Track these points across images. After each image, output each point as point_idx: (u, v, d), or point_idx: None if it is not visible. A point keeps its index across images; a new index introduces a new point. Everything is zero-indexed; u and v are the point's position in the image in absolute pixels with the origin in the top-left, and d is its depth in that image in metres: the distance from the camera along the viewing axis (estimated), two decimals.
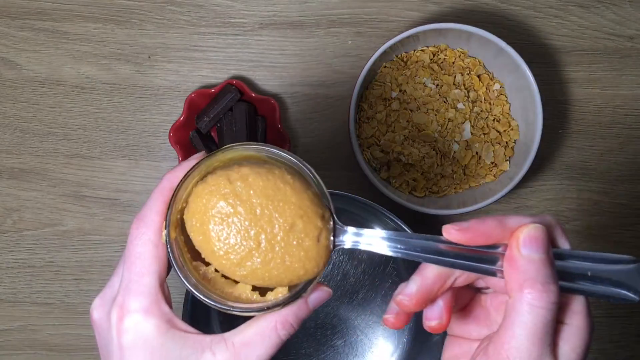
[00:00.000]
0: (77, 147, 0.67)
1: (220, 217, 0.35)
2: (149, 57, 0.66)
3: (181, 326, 0.36)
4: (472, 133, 0.61)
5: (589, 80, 0.68)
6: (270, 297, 0.36)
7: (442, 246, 0.33)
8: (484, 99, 0.63)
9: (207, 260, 0.36)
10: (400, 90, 0.62)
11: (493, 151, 0.62)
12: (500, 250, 0.32)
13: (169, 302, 0.37)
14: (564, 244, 0.33)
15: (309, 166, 0.37)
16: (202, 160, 0.37)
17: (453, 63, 0.63)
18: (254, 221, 0.35)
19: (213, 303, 0.36)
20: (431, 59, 0.63)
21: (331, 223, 0.36)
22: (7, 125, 0.67)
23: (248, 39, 0.67)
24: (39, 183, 0.67)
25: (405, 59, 0.64)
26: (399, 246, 0.35)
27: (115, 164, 0.67)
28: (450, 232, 0.33)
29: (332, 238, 0.36)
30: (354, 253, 0.66)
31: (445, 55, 0.64)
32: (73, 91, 0.67)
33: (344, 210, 0.65)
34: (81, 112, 0.67)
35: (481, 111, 0.63)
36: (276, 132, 0.64)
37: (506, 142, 0.63)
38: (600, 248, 0.68)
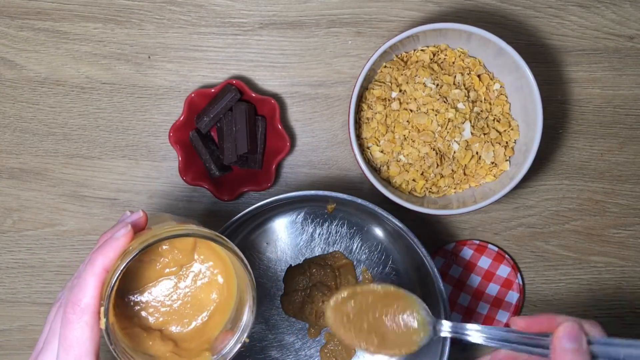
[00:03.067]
0: (77, 147, 0.67)
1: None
2: (149, 57, 0.66)
3: None
4: (472, 133, 0.61)
5: (589, 80, 0.68)
6: None
7: (513, 336, 0.43)
8: (484, 99, 0.63)
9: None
10: (400, 90, 0.62)
11: (493, 151, 0.62)
12: (551, 339, 0.41)
13: None
14: (600, 335, 0.41)
15: (241, 256, 0.43)
16: (137, 241, 0.40)
17: (453, 63, 0.63)
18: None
19: None
20: (431, 59, 0.63)
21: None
22: (7, 125, 0.67)
23: (248, 39, 0.67)
24: (39, 183, 0.67)
25: (405, 59, 0.64)
26: (485, 336, 0.45)
27: (115, 164, 0.67)
28: (515, 322, 0.44)
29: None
30: (352, 253, 0.66)
31: (445, 55, 0.63)
32: (73, 91, 0.67)
33: (344, 211, 0.65)
34: (81, 112, 0.67)
35: (481, 111, 0.62)
36: (276, 132, 0.64)
37: (506, 142, 0.63)
38: (600, 248, 0.68)
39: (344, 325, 0.46)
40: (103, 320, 0.39)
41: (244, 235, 0.65)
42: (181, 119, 0.63)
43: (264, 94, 0.66)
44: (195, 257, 0.46)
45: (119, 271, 0.39)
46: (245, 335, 0.43)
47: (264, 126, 0.65)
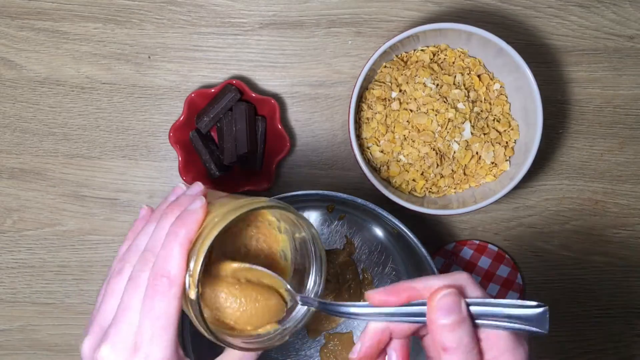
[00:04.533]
0: (77, 147, 0.67)
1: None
2: (149, 57, 0.66)
3: None
4: (472, 133, 0.61)
5: (589, 80, 0.68)
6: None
7: (374, 310, 0.38)
8: (484, 99, 0.63)
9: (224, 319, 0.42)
10: (400, 90, 0.62)
11: (493, 151, 0.62)
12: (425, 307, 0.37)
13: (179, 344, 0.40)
14: (479, 295, 0.38)
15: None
16: (216, 213, 0.40)
17: (453, 63, 0.63)
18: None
19: (228, 344, 0.40)
20: (431, 59, 0.63)
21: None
22: (7, 125, 0.67)
23: (248, 39, 0.67)
24: (39, 183, 0.67)
25: (405, 59, 0.64)
26: (341, 311, 0.40)
27: (115, 164, 0.67)
28: (372, 298, 0.38)
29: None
30: (352, 253, 0.66)
31: (445, 55, 0.63)
32: (73, 91, 0.67)
33: (343, 212, 0.65)
34: (81, 112, 0.67)
35: (481, 111, 0.62)
36: (276, 132, 0.64)
37: (506, 142, 0.63)
38: (600, 248, 0.68)
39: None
40: (193, 292, 0.38)
41: None
42: (181, 119, 0.63)
43: (264, 94, 0.66)
44: (255, 239, 0.45)
45: (210, 240, 0.38)
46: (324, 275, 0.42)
47: (264, 126, 0.65)
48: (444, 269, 0.67)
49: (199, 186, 0.44)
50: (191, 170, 0.64)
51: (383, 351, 0.39)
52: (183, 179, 0.63)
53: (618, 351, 0.68)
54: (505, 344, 0.37)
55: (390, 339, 0.39)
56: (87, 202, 0.67)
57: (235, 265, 0.42)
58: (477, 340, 0.36)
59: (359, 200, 0.58)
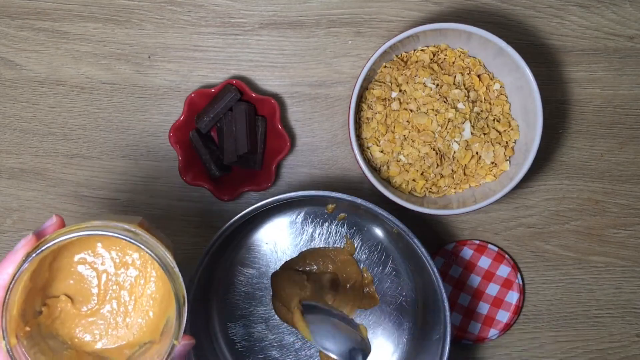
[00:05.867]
0: (77, 147, 0.67)
1: None
2: (149, 57, 0.66)
3: None
4: (472, 133, 0.61)
5: (589, 80, 0.68)
6: None
7: None
8: (484, 99, 0.63)
9: None
10: (400, 90, 0.62)
11: (493, 151, 0.62)
12: None
13: None
14: None
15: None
16: (30, 255, 0.37)
17: (453, 63, 0.63)
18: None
19: None
20: (431, 59, 0.63)
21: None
22: (7, 125, 0.67)
23: (248, 39, 0.67)
24: (39, 183, 0.67)
25: (405, 59, 0.64)
26: None
27: (115, 164, 0.67)
28: None
29: None
30: (352, 254, 0.66)
31: (445, 55, 0.63)
32: (73, 91, 0.67)
33: (343, 212, 0.65)
34: (81, 112, 0.67)
35: (481, 111, 0.62)
36: (276, 132, 0.64)
37: (506, 142, 0.63)
38: (600, 248, 0.68)
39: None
40: (3, 343, 0.36)
41: (244, 235, 0.65)
42: (181, 119, 0.63)
43: (264, 94, 0.66)
44: (130, 259, 0.43)
45: (10, 287, 0.36)
46: (179, 336, 0.39)
47: (264, 126, 0.65)
48: (444, 269, 0.67)
49: (50, 220, 0.40)
50: (191, 170, 0.64)
51: None
52: (183, 178, 0.63)
53: (618, 351, 0.68)
54: None
55: None
56: (87, 202, 0.67)
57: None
58: None
59: (359, 200, 0.58)
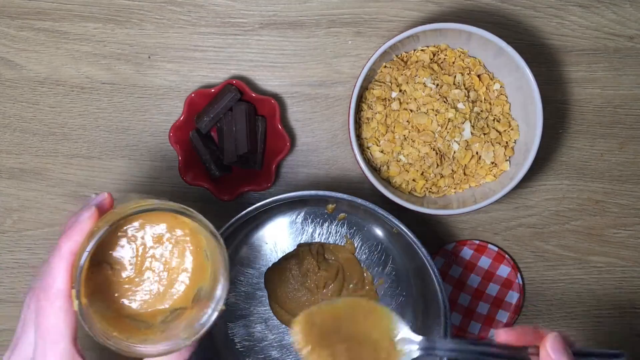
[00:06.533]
0: (77, 147, 0.67)
1: None
2: (149, 57, 0.66)
3: None
4: (472, 133, 0.61)
5: (589, 80, 0.68)
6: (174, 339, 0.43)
7: (493, 350, 0.42)
8: (484, 99, 0.63)
9: None
10: (400, 90, 0.62)
11: (493, 151, 0.62)
12: (530, 351, 0.41)
13: (82, 354, 0.40)
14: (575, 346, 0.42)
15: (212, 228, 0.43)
16: (101, 223, 0.40)
17: (453, 63, 0.63)
18: None
19: (128, 352, 0.41)
20: (431, 59, 0.63)
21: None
22: (7, 125, 0.67)
23: (248, 39, 0.67)
24: (39, 183, 0.67)
25: (405, 59, 0.64)
26: (465, 350, 0.42)
27: (115, 164, 0.67)
28: (500, 335, 0.42)
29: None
30: (352, 253, 0.66)
31: (445, 55, 0.63)
32: (73, 91, 0.67)
33: (344, 212, 0.65)
34: (81, 112, 0.67)
35: (481, 111, 0.62)
36: (276, 132, 0.64)
37: (506, 142, 0.63)
38: (600, 248, 0.68)
39: (315, 346, 0.43)
40: (76, 303, 0.38)
41: (244, 235, 0.65)
42: (181, 119, 0.63)
43: (264, 94, 0.66)
44: (167, 235, 0.46)
45: (87, 251, 0.39)
46: (221, 304, 0.43)
47: (264, 126, 0.65)
48: (444, 269, 0.67)
49: (101, 195, 0.44)
50: (191, 170, 0.64)
51: None
52: (183, 178, 0.63)
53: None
54: None
55: None
56: None
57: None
58: None
59: (359, 200, 0.58)
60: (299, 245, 0.65)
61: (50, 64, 0.66)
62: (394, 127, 0.62)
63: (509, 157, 0.63)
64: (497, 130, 0.62)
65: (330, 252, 0.66)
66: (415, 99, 0.61)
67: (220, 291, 0.43)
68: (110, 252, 0.45)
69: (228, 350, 0.65)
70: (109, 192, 0.44)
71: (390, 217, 0.58)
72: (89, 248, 0.39)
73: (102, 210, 0.42)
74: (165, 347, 0.41)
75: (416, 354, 0.42)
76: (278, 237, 0.66)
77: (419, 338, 0.43)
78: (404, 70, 0.63)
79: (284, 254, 0.66)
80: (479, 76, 0.63)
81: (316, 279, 0.64)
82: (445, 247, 0.67)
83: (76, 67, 0.66)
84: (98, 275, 0.44)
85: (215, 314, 0.42)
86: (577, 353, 0.40)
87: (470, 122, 0.61)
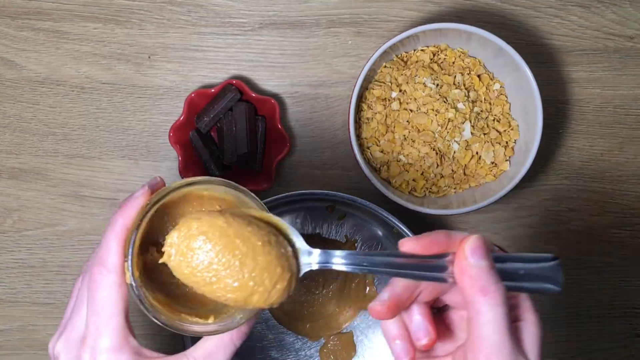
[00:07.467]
0: (77, 147, 0.67)
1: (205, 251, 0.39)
2: (149, 57, 0.66)
3: (147, 354, 0.40)
4: (472, 133, 0.61)
5: (589, 80, 0.68)
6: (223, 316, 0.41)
7: (400, 260, 0.37)
8: (484, 99, 0.63)
9: (189, 284, 0.39)
10: (400, 90, 0.62)
11: (493, 151, 0.62)
12: (448, 259, 0.36)
13: (133, 333, 0.40)
14: (496, 251, 0.37)
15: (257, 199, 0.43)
16: (153, 199, 0.40)
17: (453, 63, 0.63)
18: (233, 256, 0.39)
19: (179, 329, 0.40)
20: (431, 59, 0.63)
21: (291, 250, 0.41)
22: (7, 125, 0.67)
23: (248, 39, 0.67)
24: (38, 183, 0.67)
25: (405, 59, 0.64)
26: (364, 264, 0.38)
27: (115, 164, 0.67)
28: (404, 244, 0.37)
29: (297, 265, 0.40)
30: None
31: (445, 55, 0.64)
32: (73, 91, 0.67)
33: (344, 212, 0.65)
34: (81, 112, 0.67)
35: (481, 111, 0.62)
36: (276, 132, 0.64)
37: (506, 142, 0.63)
38: (600, 248, 0.68)
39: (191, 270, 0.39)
40: (128, 274, 0.38)
41: None
42: (181, 119, 0.63)
43: (264, 94, 0.66)
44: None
45: (137, 222, 0.39)
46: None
47: (264, 126, 0.65)
48: None
49: (154, 179, 0.44)
50: (191, 170, 0.64)
51: (399, 312, 0.38)
52: (183, 178, 0.63)
53: (618, 351, 0.68)
54: (529, 305, 0.38)
55: (411, 303, 0.38)
56: (87, 202, 0.67)
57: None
58: None
59: (359, 200, 0.58)
60: None
61: (50, 64, 0.66)
62: (394, 127, 0.62)
63: (509, 157, 0.63)
64: (497, 130, 0.62)
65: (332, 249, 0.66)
66: (415, 99, 0.61)
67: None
68: (155, 235, 0.43)
69: None
70: (160, 177, 0.44)
71: (390, 217, 0.58)
72: (141, 219, 0.39)
73: (154, 190, 0.42)
74: (219, 327, 0.40)
75: (315, 267, 0.40)
76: None
77: (315, 250, 0.40)
78: (404, 70, 0.63)
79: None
80: (479, 76, 0.63)
81: (316, 278, 0.64)
82: None
83: (76, 67, 0.66)
84: (151, 258, 0.43)
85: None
86: (499, 259, 0.36)
87: (470, 122, 0.61)
